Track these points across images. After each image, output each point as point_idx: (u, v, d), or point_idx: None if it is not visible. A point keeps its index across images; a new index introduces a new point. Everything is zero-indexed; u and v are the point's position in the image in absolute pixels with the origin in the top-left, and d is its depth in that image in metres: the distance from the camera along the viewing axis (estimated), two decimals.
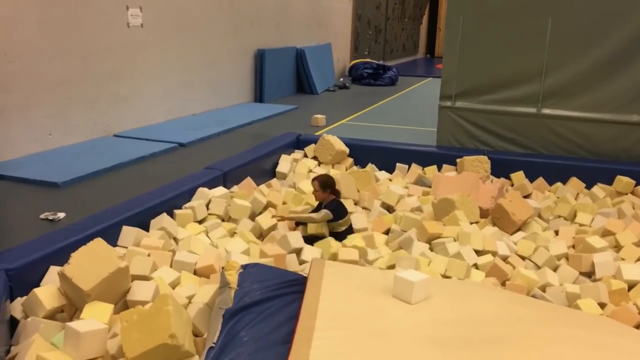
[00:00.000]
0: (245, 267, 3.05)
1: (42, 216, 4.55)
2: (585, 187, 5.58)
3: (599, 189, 5.43)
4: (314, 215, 4.35)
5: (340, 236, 4.30)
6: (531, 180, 5.69)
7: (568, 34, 5.97)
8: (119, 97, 7.61)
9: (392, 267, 3.83)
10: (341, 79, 14.72)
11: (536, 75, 6.15)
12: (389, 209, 5.11)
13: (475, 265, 3.94)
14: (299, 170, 5.85)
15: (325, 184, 4.42)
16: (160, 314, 2.60)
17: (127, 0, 7.56)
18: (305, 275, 3.17)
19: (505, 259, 4.09)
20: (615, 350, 2.58)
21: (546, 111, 6.21)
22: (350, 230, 4.45)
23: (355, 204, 5.12)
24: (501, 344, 2.51)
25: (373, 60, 16.08)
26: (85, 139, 7.07)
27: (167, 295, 2.68)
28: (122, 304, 3.17)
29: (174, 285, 3.44)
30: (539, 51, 6.06)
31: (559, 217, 5.02)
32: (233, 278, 2.93)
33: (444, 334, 2.56)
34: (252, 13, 10.86)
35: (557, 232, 4.69)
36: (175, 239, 4.06)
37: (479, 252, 4.08)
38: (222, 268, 3.06)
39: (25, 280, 3.18)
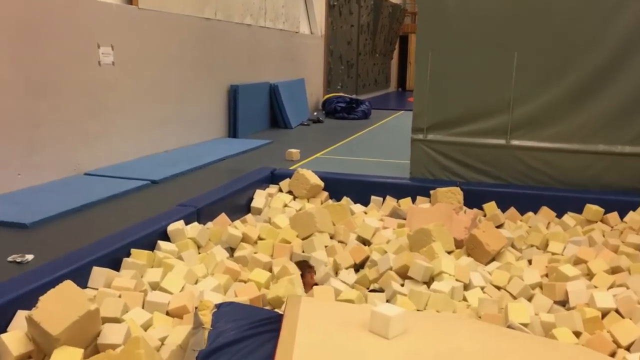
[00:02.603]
0: (219, 306, 2.99)
1: (9, 259, 4.44)
2: (556, 216, 5.66)
3: (569, 218, 5.50)
4: None
5: None
6: (503, 211, 5.75)
7: (534, 66, 6.14)
8: (90, 136, 7.55)
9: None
10: (315, 113, 14.85)
11: (505, 108, 6.30)
12: (365, 242, 5.11)
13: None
14: (274, 205, 5.83)
15: None
16: (132, 357, 2.53)
17: (98, 38, 7.57)
18: (281, 312, 3.12)
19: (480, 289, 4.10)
20: None
21: (515, 142, 6.33)
22: None
23: (331, 237, 5.10)
24: None
25: (346, 95, 16.31)
26: (55, 178, 6.97)
27: (139, 337, 2.61)
28: (93, 348, 3.07)
29: (146, 327, 3.35)
30: (506, 84, 6.22)
31: (532, 246, 5.07)
32: (207, 318, 2.87)
33: None
34: (225, 49, 10.96)
35: (530, 262, 4.72)
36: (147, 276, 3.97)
37: None
38: (196, 308, 3.00)
39: None
